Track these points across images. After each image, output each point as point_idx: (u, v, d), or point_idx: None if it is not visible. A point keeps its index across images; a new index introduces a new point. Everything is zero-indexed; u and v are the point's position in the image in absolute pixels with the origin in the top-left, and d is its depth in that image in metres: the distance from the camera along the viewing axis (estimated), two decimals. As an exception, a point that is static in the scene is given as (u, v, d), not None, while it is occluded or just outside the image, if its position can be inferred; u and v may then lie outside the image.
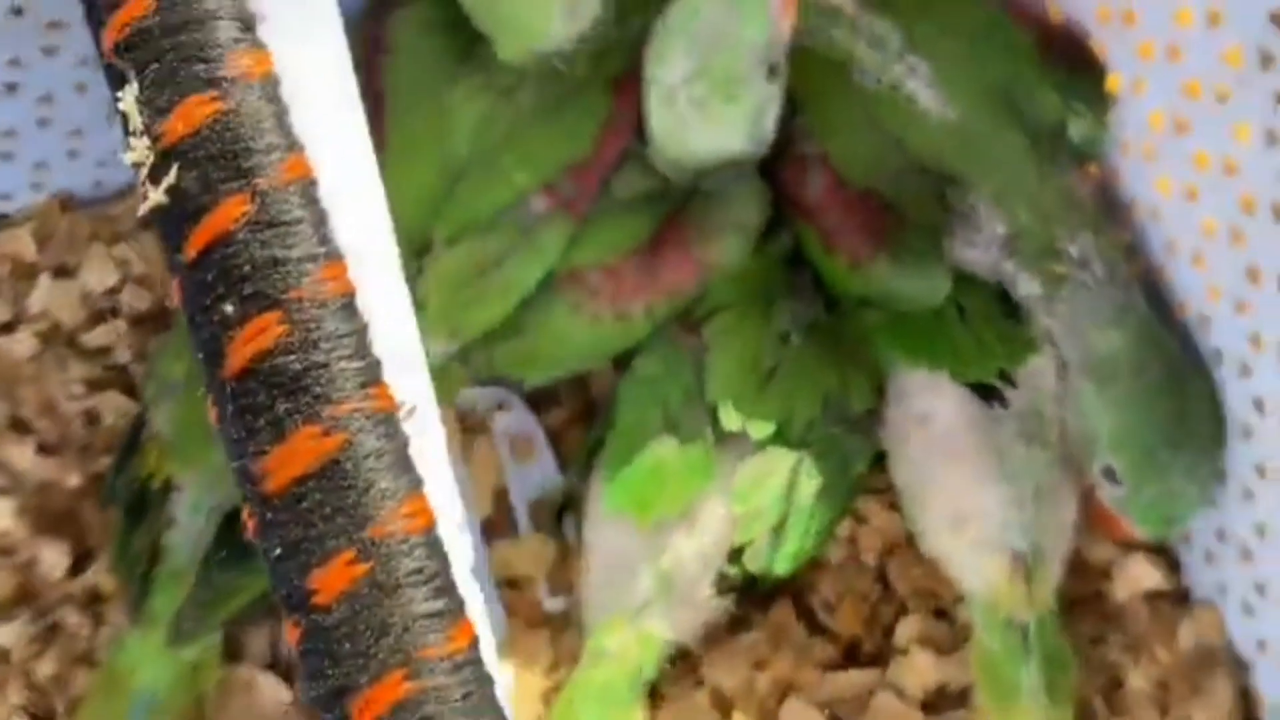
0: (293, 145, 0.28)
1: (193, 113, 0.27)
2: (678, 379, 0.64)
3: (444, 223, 0.62)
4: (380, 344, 0.28)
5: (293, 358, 0.26)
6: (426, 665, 0.25)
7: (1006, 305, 0.63)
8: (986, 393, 0.62)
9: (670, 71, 0.59)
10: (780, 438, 0.63)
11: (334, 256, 0.28)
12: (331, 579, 0.26)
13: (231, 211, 0.27)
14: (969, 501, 0.64)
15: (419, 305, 0.62)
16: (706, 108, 0.59)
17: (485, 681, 0.26)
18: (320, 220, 0.28)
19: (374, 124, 0.61)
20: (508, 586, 0.70)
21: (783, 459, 0.62)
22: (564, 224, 0.62)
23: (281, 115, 0.28)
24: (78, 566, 0.68)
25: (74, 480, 0.69)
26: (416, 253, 0.62)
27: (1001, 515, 0.63)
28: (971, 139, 0.63)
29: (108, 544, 0.66)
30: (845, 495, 0.64)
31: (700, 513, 0.63)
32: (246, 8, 0.29)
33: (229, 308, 0.26)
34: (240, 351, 0.26)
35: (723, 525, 0.63)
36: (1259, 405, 0.60)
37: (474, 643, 0.27)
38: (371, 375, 0.27)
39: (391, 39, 0.62)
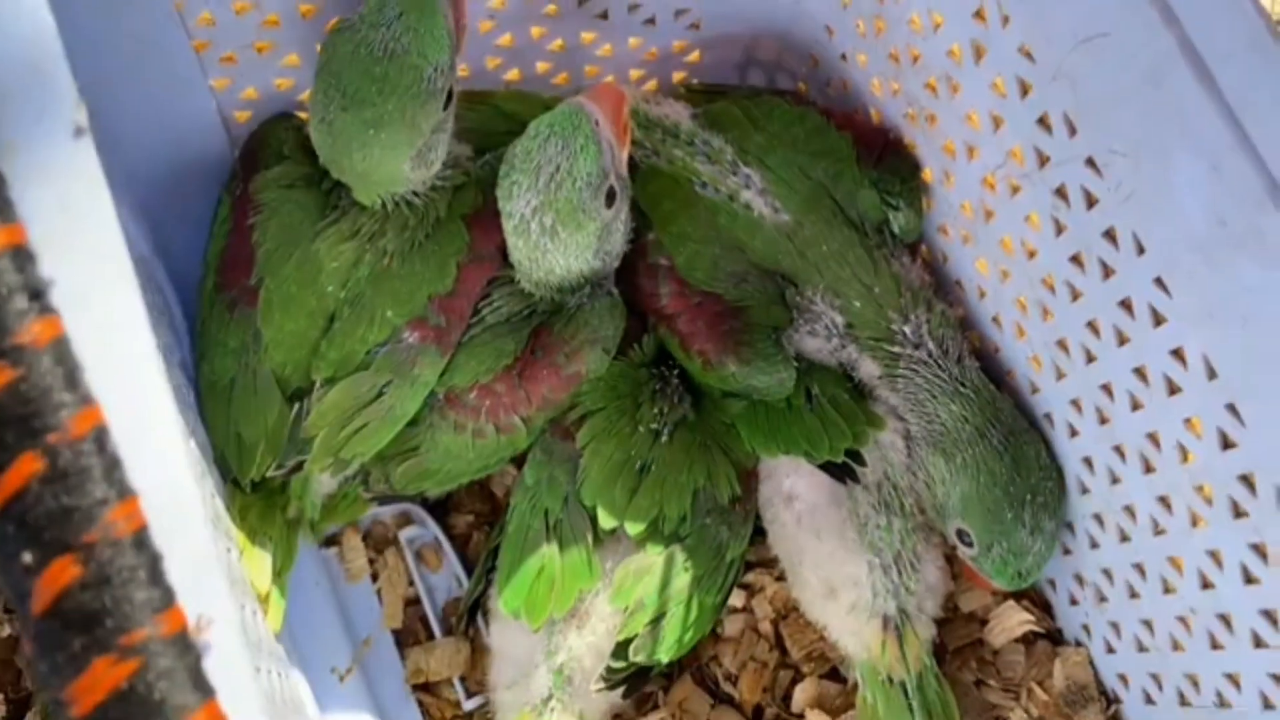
0: (84, 399, 0.33)
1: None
2: (556, 486, 0.68)
3: (323, 363, 0.66)
4: (178, 562, 0.33)
5: (88, 594, 0.31)
6: None
7: (852, 386, 0.68)
8: (840, 471, 0.67)
9: (519, 205, 0.64)
10: (655, 533, 0.67)
11: (126, 495, 0.32)
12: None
13: (24, 469, 0.31)
14: (838, 572, 0.69)
15: (305, 441, 0.66)
16: (556, 234, 0.64)
17: None
18: (111, 465, 0.32)
19: (247, 279, 0.68)
20: (424, 691, 0.75)
21: (658, 554, 0.67)
22: (436, 353, 0.66)
23: (72, 373, 0.33)
24: (15, 714, 0.71)
25: (5, 630, 0.72)
26: (298, 395, 0.66)
27: (869, 583, 0.68)
28: (804, 239, 0.68)
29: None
30: (724, 579, 0.69)
31: (588, 610, 0.67)
32: (36, 276, 0.33)
33: (28, 556, 0.31)
34: (42, 594, 0.31)
35: (610, 619, 0.67)
36: (1089, 462, 0.64)
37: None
38: (164, 601, 0.32)
39: (258, 199, 0.67)
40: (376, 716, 0.71)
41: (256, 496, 0.67)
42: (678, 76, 0.78)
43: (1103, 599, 0.68)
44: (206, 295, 0.69)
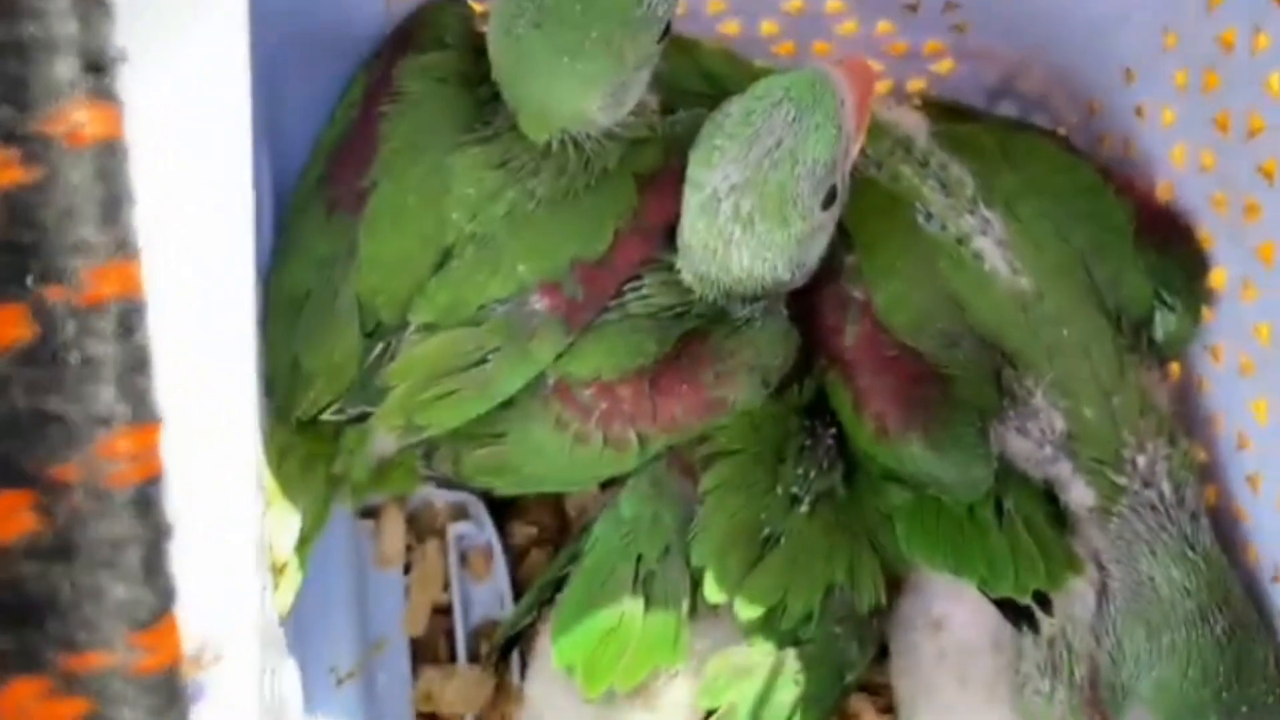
0: (121, 247, 0.20)
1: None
2: (660, 528, 0.55)
3: (426, 304, 0.53)
4: (196, 550, 0.19)
5: (37, 568, 0.18)
6: None
7: (1053, 512, 0.54)
8: (1016, 613, 0.53)
9: (717, 177, 0.51)
10: (769, 626, 0.53)
11: (143, 419, 0.19)
12: None
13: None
14: (973, 733, 0.55)
15: (379, 390, 0.54)
16: (752, 225, 0.51)
17: None
18: (134, 365, 0.19)
19: (359, 178, 0.56)
20: (429, 722, 0.62)
21: (766, 654, 0.53)
22: (562, 329, 0.54)
23: (115, 202, 0.20)
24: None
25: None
26: (380, 333, 0.53)
27: (1006, 757, 0.54)
28: (1042, 314, 0.54)
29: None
30: (832, 705, 0.55)
31: (661, 695, 0.54)
32: (101, 38, 0.20)
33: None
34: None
35: (684, 712, 0.54)
36: (1332, 685, 0.50)
37: None
38: (153, 609, 0.18)
39: (400, 85, 0.54)
40: (369, 738, 0.58)
41: (302, 439, 0.54)
42: (915, 85, 0.65)
43: None
44: (306, 188, 0.57)
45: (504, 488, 0.59)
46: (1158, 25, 0.55)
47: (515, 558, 0.65)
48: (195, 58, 0.23)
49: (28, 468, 0.18)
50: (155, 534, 0.19)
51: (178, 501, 0.20)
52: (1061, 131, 0.64)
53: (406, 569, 0.63)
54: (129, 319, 0.20)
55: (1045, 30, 0.60)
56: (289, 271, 0.55)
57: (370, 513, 0.63)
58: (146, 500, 0.19)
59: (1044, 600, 0.52)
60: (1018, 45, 0.62)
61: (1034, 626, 0.53)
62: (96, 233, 0.20)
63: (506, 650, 0.61)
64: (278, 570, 0.51)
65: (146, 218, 0.21)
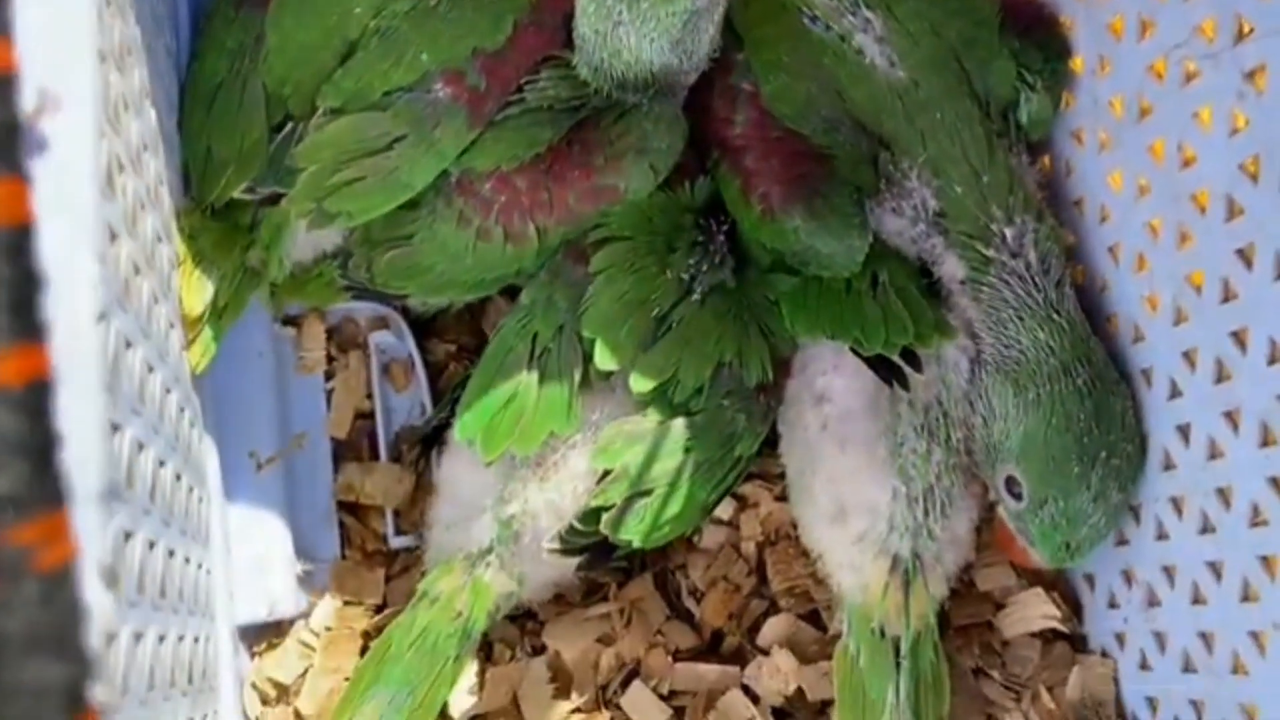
0: None
1: None
2: (554, 310, 0.58)
3: (332, 90, 0.56)
4: None
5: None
6: None
7: (926, 285, 0.58)
8: (889, 372, 0.56)
9: None
10: (662, 398, 0.57)
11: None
12: None
13: None
14: (855, 493, 0.58)
15: (289, 172, 0.56)
16: (637, 4, 0.54)
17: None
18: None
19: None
20: (349, 513, 0.64)
21: (659, 422, 0.56)
22: (464, 121, 0.56)
23: None
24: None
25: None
26: (296, 116, 0.56)
27: (888, 513, 0.57)
28: (915, 101, 0.57)
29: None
30: (724, 476, 0.58)
31: (558, 462, 0.57)
32: None
33: None
34: None
35: (579, 480, 0.57)
36: (1184, 432, 0.54)
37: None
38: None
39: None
40: (287, 520, 0.61)
41: (216, 223, 0.57)
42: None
43: (1153, 603, 0.57)
44: (220, -12, 0.59)
45: (417, 291, 0.62)
46: None
47: (435, 372, 0.68)
48: None
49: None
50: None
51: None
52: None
53: (329, 377, 0.66)
54: None
55: None
56: (201, 65, 0.58)
57: (292, 321, 0.66)
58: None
59: (913, 358, 0.56)
60: None
61: (904, 383, 0.56)
62: None
63: (426, 448, 0.64)
64: (191, 324, 0.54)
65: None
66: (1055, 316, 0.56)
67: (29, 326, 0.20)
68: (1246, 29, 0.47)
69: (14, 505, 0.19)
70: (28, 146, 0.22)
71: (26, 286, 0.21)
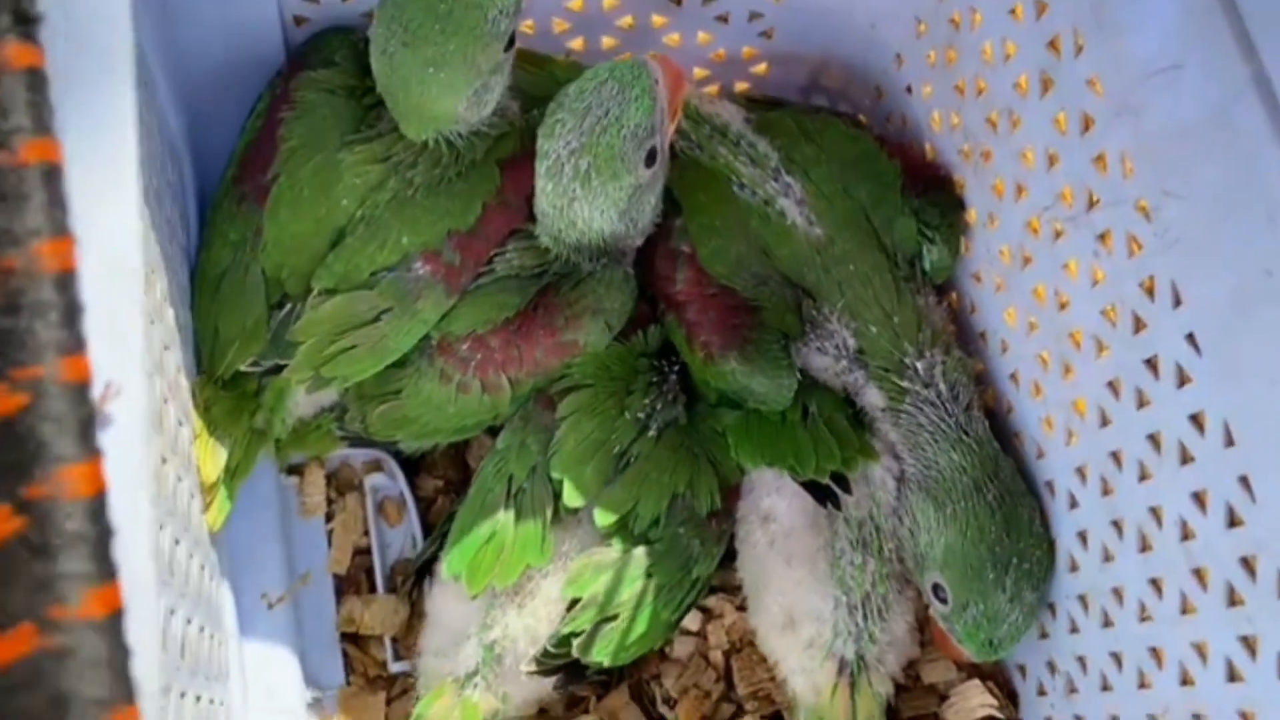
0: (42, 129, 0.31)
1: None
2: (527, 453, 0.65)
3: (325, 273, 0.64)
4: (101, 322, 0.30)
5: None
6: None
7: (851, 414, 0.66)
8: (822, 494, 0.64)
9: (559, 144, 0.62)
10: (623, 529, 0.64)
11: (61, 234, 0.30)
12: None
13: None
14: (801, 603, 0.65)
15: (289, 345, 0.64)
16: (589, 181, 0.62)
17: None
18: (53, 202, 0.30)
19: (264, 175, 0.66)
20: (352, 643, 0.71)
21: (621, 552, 0.64)
22: (442, 293, 0.64)
23: (38, 103, 0.31)
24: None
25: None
26: (291, 299, 0.64)
27: (831, 620, 0.64)
28: (832, 255, 0.65)
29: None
30: (685, 596, 0.65)
31: (533, 591, 0.64)
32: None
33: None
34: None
35: (553, 606, 0.64)
36: (1083, 537, 0.61)
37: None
38: (72, 347, 0.29)
39: (295, 96, 0.65)
40: (296, 652, 0.68)
41: (226, 394, 0.65)
42: (740, 86, 0.77)
43: (1073, 690, 0.64)
44: (224, 186, 0.68)
45: (407, 438, 0.70)
46: (911, 16, 0.68)
47: (425, 506, 0.75)
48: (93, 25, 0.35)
49: None
50: (71, 304, 0.30)
51: (88, 288, 0.31)
52: (863, 119, 0.76)
53: (329, 518, 0.73)
54: (51, 174, 0.31)
55: (836, 31, 0.72)
56: (208, 254, 0.66)
57: (296, 470, 0.73)
58: (64, 283, 0.30)
59: (842, 481, 0.63)
60: (817, 49, 0.74)
61: (836, 504, 0.64)
62: (26, 120, 0.31)
63: (418, 579, 0.71)
64: (208, 490, 0.61)
65: (59, 110, 0.32)
66: (965, 438, 0.63)
67: (107, 571, 0.28)
68: (1095, 198, 0.55)
69: (99, 706, 0.27)
70: (100, 426, 0.30)
71: (105, 540, 0.28)
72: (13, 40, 0.31)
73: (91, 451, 0.29)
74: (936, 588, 0.63)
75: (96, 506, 0.28)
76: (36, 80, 0.31)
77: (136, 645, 0.28)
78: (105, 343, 0.30)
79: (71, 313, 0.30)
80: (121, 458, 0.30)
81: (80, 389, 0.29)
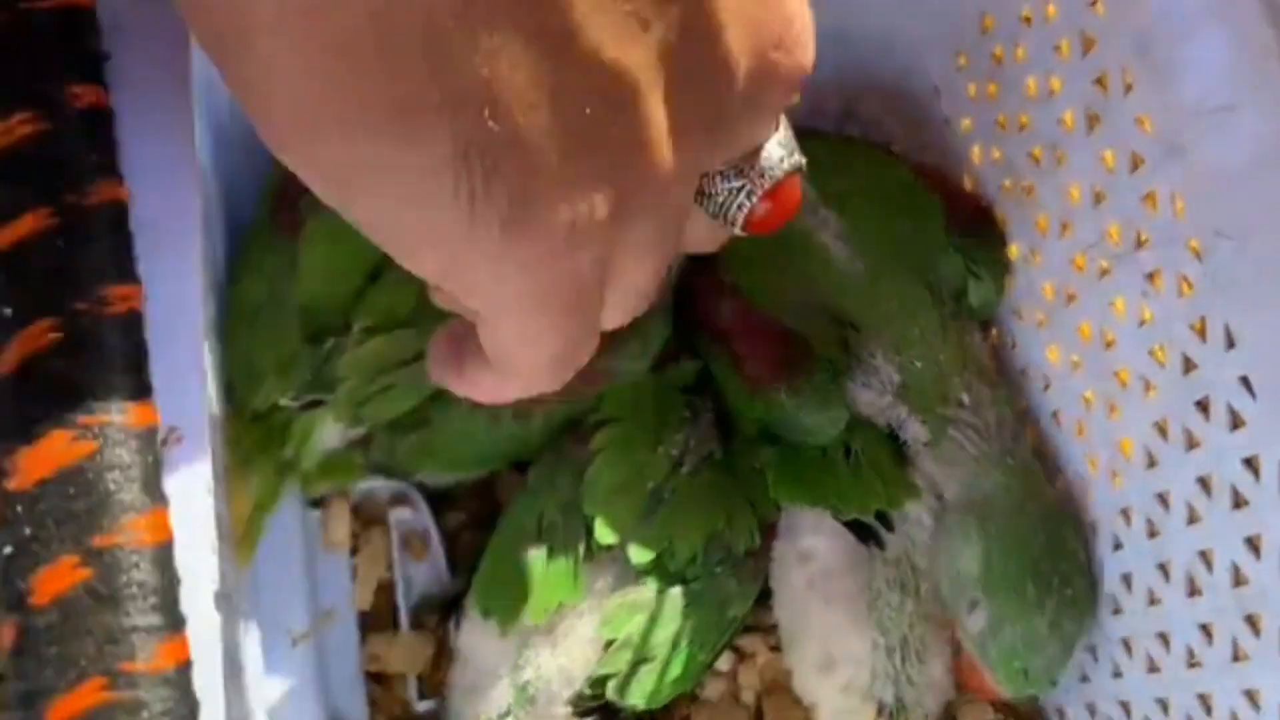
0: (110, 171, 0.30)
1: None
2: (558, 490, 0.64)
3: (366, 311, 0.63)
4: (165, 367, 0.29)
5: (61, 363, 0.28)
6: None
7: (895, 450, 0.65)
8: (864, 533, 0.63)
9: None
10: (659, 569, 0.63)
11: (127, 279, 0.29)
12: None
13: (31, 222, 0.28)
14: (840, 645, 0.64)
15: (331, 380, 0.63)
16: None
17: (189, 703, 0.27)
18: (120, 246, 0.30)
19: (299, 203, 0.66)
20: (376, 681, 0.70)
21: (657, 592, 0.62)
22: (478, 327, 0.64)
23: (106, 144, 0.31)
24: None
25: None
26: (323, 334, 0.63)
27: (870, 663, 0.63)
28: (875, 291, 0.65)
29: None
30: (720, 637, 0.64)
31: (567, 630, 0.63)
32: (90, 43, 0.31)
33: (8, 310, 0.28)
34: (15, 351, 0.28)
35: (587, 646, 0.63)
36: (1127, 580, 0.60)
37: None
38: (138, 393, 0.28)
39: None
40: (320, 690, 0.66)
41: (257, 428, 0.64)
42: (773, 118, 0.77)
43: (1115, 735, 0.63)
44: (258, 220, 0.67)
45: (434, 469, 0.69)
46: (951, 48, 0.67)
47: (450, 541, 0.74)
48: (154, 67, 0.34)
49: (56, 302, 0.28)
50: (137, 349, 0.29)
51: (151, 332, 0.30)
52: (895, 147, 0.76)
53: (353, 552, 0.72)
54: (117, 217, 0.30)
55: (873, 62, 0.72)
56: (241, 287, 0.65)
57: (320, 503, 0.72)
58: (130, 327, 0.29)
59: (885, 519, 0.62)
60: (852, 78, 0.74)
61: (879, 543, 0.63)
62: (95, 159, 0.30)
63: (446, 614, 0.70)
64: (236, 525, 0.60)
65: (125, 152, 0.31)
66: (1010, 460, 0.62)
67: (176, 622, 0.27)
68: (1143, 238, 0.54)
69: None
70: (164, 474, 0.29)
71: (172, 589, 0.27)
72: (77, 79, 0.30)
73: (158, 499, 0.28)
74: (973, 604, 0.61)
75: (163, 555, 0.27)
76: (102, 119, 0.31)
77: (202, 696, 0.27)
78: (166, 386, 0.30)
79: (138, 357, 0.29)
80: (184, 505, 0.29)
81: (147, 435, 0.28)
